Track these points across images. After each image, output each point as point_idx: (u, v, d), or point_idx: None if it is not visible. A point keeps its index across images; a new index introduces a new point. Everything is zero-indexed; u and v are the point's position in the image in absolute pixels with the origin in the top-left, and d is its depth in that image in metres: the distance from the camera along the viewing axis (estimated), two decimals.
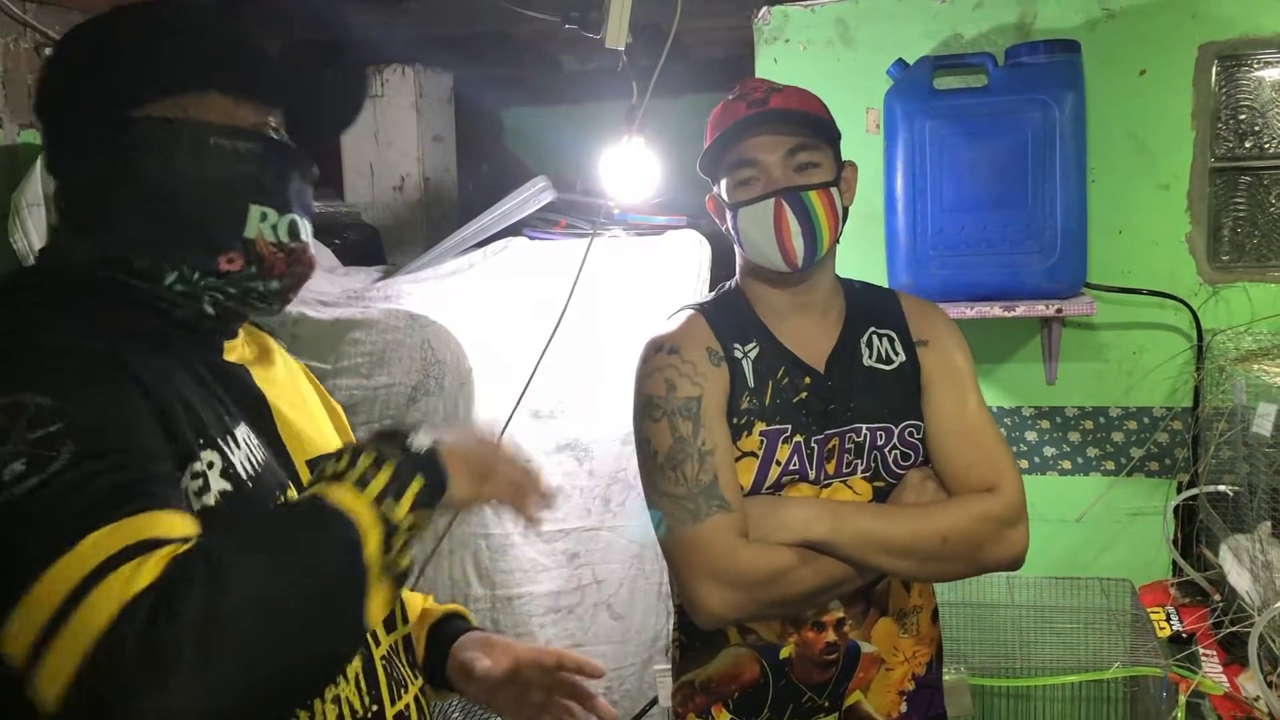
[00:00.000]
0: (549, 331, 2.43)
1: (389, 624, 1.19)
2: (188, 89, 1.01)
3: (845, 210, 1.55)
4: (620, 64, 2.35)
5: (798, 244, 1.49)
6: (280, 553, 0.86)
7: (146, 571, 0.78)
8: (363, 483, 0.92)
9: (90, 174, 1.02)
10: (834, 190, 1.52)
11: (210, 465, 0.96)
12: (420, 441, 0.99)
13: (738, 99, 1.53)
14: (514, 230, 2.63)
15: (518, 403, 2.41)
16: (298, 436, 1.11)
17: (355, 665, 1.09)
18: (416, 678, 1.22)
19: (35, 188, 2.21)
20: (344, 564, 0.88)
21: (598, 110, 3.33)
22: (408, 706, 1.16)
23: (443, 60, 3.13)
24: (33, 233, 2.20)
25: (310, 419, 1.17)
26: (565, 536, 2.55)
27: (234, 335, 1.12)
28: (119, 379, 0.90)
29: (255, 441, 1.04)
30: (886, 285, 1.72)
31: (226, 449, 0.98)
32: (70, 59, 1.05)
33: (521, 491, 1.11)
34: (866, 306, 1.61)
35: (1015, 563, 1.51)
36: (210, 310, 1.05)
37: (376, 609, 0.91)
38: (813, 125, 1.51)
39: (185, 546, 0.82)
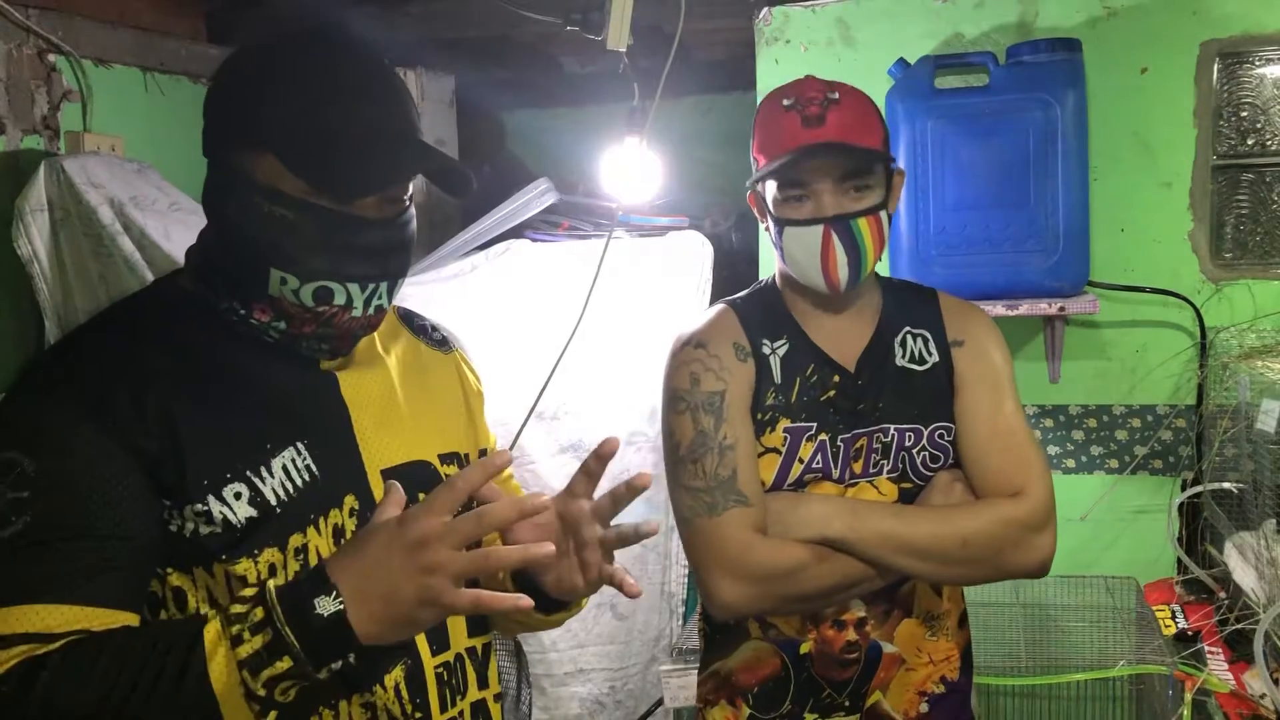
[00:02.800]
0: (551, 333, 2.43)
1: (472, 628, 1.19)
2: (252, 146, 1.06)
3: (890, 218, 1.51)
4: (622, 66, 2.36)
5: (842, 273, 1.46)
6: (124, 691, 0.90)
7: None
8: (238, 640, 0.91)
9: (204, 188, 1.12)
10: (883, 213, 1.48)
11: (238, 495, 1.03)
12: (323, 609, 0.91)
13: (792, 108, 1.45)
14: (516, 232, 2.63)
15: (532, 409, 2.41)
16: (376, 448, 1.15)
17: (396, 674, 1.10)
18: (486, 685, 1.21)
19: (38, 193, 2.20)
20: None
21: (599, 112, 3.34)
22: (461, 713, 1.16)
23: (444, 63, 3.13)
24: (36, 238, 2.20)
25: (399, 427, 1.18)
26: None
27: (334, 356, 1.15)
28: (106, 450, 0.98)
29: (302, 464, 1.08)
30: None
31: (258, 480, 1.05)
32: (213, 85, 1.12)
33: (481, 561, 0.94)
34: (903, 306, 1.58)
35: (1041, 569, 1.50)
36: (273, 339, 1.10)
37: None
38: (870, 154, 1.46)
39: (42, 649, 0.91)
